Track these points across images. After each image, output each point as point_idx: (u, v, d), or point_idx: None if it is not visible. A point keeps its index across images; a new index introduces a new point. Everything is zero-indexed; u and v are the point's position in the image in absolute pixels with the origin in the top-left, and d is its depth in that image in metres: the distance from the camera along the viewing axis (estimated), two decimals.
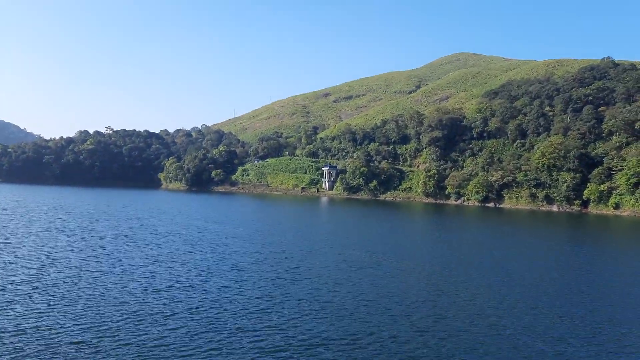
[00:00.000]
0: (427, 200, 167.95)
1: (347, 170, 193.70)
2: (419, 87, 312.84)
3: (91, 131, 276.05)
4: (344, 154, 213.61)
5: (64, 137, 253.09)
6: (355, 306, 27.33)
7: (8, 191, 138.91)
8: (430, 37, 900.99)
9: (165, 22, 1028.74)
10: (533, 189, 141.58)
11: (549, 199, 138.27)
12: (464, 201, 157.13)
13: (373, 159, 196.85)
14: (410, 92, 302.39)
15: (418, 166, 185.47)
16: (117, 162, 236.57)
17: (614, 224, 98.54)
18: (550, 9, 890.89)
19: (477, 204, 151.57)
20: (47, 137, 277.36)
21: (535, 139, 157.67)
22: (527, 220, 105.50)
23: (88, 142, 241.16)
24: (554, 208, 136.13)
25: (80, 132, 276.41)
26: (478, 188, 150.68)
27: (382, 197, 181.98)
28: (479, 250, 52.53)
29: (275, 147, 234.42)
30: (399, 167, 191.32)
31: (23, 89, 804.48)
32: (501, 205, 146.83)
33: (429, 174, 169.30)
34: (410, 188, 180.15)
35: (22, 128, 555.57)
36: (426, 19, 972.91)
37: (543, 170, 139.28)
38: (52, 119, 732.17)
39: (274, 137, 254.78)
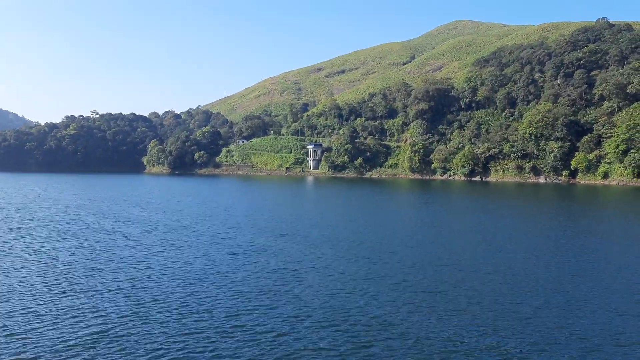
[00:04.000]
0: (413, 177, 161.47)
1: (332, 147, 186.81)
2: (413, 57, 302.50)
3: (79, 116, 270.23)
4: (330, 130, 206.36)
5: (47, 122, 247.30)
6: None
7: None
8: (427, 6, 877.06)
9: (154, 3, 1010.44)
10: (520, 161, 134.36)
11: (535, 171, 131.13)
12: (449, 176, 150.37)
13: (359, 135, 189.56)
14: (404, 64, 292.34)
15: (405, 141, 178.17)
16: (101, 147, 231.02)
17: (603, 194, 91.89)
18: None
19: (463, 178, 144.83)
20: (42, 124, 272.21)
21: (524, 107, 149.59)
22: (511, 193, 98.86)
23: (71, 128, 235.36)
24: (541, 179, 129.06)
25: (67, 117, 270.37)
26: (464, 162, 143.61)
27: (368, 174, 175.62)
28: (452, 233, 46.08)
29: (260, 127, 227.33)
30: (386, 142, 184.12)
31: (21, 76, 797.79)
32: (487, 179, 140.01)
33: (414, 148, 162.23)
34: (397, 164, 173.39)
35: (20, 115, 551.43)
36: None
37: (530, 141, 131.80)
38: (51, 106, 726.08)
39: (258, 116, 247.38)
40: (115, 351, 16.62)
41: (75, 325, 18.85)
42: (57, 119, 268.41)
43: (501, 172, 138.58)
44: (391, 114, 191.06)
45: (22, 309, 20.72)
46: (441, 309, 21.66)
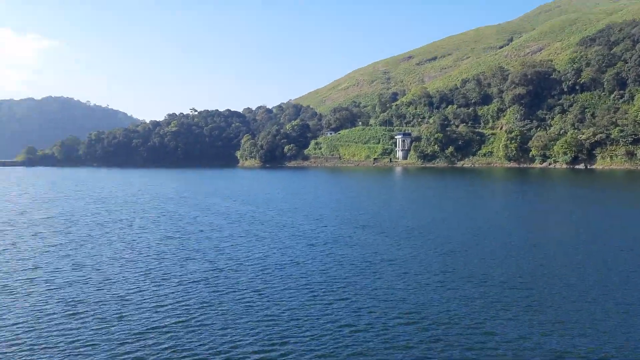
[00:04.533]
0: (509, 165, 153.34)
1: (422, 137, 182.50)
2: (511, 40, 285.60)
3: (179, 113, 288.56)
4: (419, 120, 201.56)
5: (152, 120, 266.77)
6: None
7: (117, 175, 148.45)
8: None
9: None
10: (630, 146, 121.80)
11: None
12: (549, 164, 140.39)
13: (451, 123, 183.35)
14: (500, 48, 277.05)
15: (500, 128, 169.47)
16: (199, 143, 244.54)
17: None
18: None
19: (564, 166, 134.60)
20: (147, 122, 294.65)
21: (635, 88, 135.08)
22: (621, 182, 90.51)
23: (172, 125, 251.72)
24: None
25: (169, 115, 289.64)
26: (566, 148, 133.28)
27: (459, 163, 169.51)
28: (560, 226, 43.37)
29: (348, 118, 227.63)
30: (480, 130, 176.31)
31: (129, 78, 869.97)
32: (593, 166, 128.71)
33: (510, 135, 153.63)
34: (491, 152, 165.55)
35: (129, 115, 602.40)
36: None
37: None
38: (155, 105, 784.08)
39: (346, 107, 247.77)
40: (193, 339, 17.27)
41: (157, 313, 19.91)
42: (161, 117, 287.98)
43: (608, 158, 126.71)
44: (485, 100, 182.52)
45: (111, 295, 22.28)
46: (526, 307, 20.08)
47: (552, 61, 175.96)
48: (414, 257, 29.89)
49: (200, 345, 16.77)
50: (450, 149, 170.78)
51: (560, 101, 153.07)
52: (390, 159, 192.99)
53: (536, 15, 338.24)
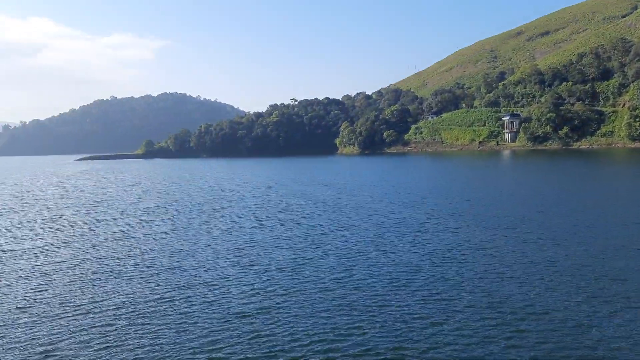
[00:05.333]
0: (633, 145, 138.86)
1: (532, 117, 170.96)
2: (635, 8, 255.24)
3: (280, 104, 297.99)
4: (529, 99, 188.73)
5: (255, 111, 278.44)
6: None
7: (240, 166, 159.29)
8: None
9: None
10: None
11: None
12: None
13: (565, 101, 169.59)
14: (623, 17, 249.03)
15: (623, 105, 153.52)
16: (299, 132, 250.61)
17: None
18: None
19: None
20: (251, 113, 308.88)
21: None
22: None
23: (273, 115, 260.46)
24: None
25: (270, 106, 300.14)
26: None
27: (575, 145, 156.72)
28: None
29: (451, 100, 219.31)
30: (598, 108, 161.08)
31: (234, 72, 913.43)
32: None
33: (634, 113, 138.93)
34: (612, 132, 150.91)
35: (235, 107, 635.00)
36: None
37: None
38: (259, 97, 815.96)
39: (448, 89, 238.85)
40: (274, 325, 18.00)
41: (241, 299, 21.03)
42: (263, 109, 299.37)
43: None
44: (605, 75, 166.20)
45: (200, 281, 23.88)
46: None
47: None
48: (509, 246, 28.35)
49: (279, 332, 17.45)
50: (565, 129, 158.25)
51: None
52: (497, 142, 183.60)
53: None
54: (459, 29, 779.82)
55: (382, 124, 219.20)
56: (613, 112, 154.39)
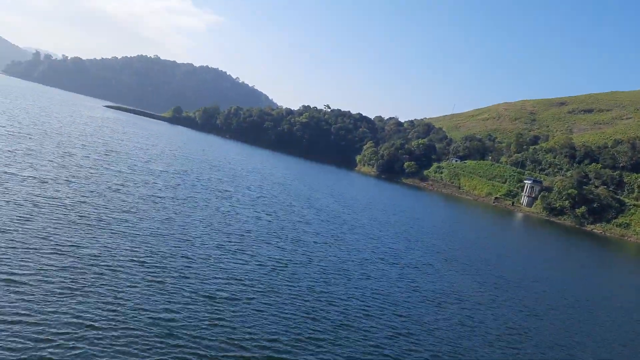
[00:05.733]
0: None
1: (554, 188, 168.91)
2: None
3: (313, 107, 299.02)
4: (555, 170, 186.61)
5: (286, 108, 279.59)
6: None
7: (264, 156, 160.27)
8: None
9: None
10: None
11: None
12: None
13: (590, 182, 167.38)
14: None
15: None
16: (324, 138, 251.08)
17: None
18: None
19: None
20: (283, 108, 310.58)
21: None
22: None
23: (304, 116, 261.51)
24: None
25: (303, 106, 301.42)
26: None
27: (588, 227, 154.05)
28: None
29: (478, 149, 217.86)
30: (621, 197, 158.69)
31: (276, 65, 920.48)
32: None
33: None
34: (628, 224, 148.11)
35: (270, 98, 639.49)
36: None
37: None
38: (295, 94, 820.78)
39: (479, 138, 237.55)
40: (236, 315, 18.09)
41: (214, 283, 21.16)
42: (296, 107, 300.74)
43: None
44: (636, 167, 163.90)
45: (180, 254, 24.09)
46: None
47: None
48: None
49: (239, 323, 17.49)
50: (582, 209, 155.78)
51: None
52: (513, 203, 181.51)
53: None
54: (506, 83, 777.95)
55: (406, 154, 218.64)
56: (634, 205, 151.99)
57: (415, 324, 21.90)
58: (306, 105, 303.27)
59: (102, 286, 17.75)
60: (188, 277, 20.81)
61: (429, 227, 62.32)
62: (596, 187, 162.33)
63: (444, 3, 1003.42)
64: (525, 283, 38.08)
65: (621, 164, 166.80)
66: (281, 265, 26.26)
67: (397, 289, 27.07)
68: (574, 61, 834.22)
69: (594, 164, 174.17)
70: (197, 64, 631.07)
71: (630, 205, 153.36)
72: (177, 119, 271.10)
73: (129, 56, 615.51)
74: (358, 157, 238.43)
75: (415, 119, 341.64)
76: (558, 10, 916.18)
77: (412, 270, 32.94)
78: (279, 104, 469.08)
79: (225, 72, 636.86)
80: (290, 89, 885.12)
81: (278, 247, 30.19)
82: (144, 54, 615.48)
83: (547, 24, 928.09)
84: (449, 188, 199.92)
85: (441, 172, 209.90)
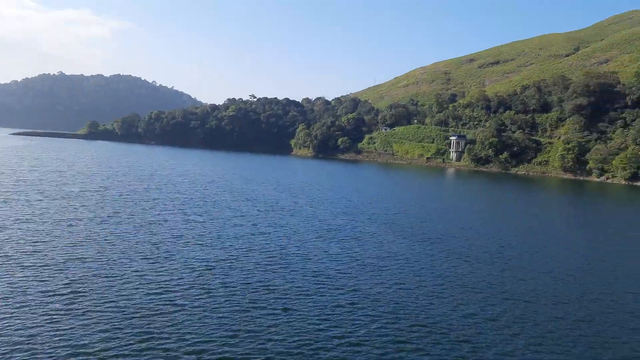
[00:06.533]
0: (565, 176, 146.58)
1: (477, 140, 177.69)
2: (577, 50, 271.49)
3: (238, 99, 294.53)
4: (476, 122, 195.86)
5: (210, 104, 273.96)
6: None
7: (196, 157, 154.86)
8: None
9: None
10: None
11: None
12: (607, 178, 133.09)
13: (507, 128, 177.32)
14: (566, 56, 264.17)
15: (558, 138, 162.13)
16: (255, 129, 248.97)
17: None
18: None
19: (623, 182, 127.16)
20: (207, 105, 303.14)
21: None
22: None
23: (230, 109, 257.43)
24: None
25: (228, 100, 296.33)
26: (625, 163, 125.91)
27: (513, 170, 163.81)
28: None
29: (404, 115, 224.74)
30: (536, 138, 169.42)
31: (196, 63, 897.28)
32: None
33: (568, 146, 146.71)
34: (547, 162, 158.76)
35: (193, 97, 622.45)
36: None
37: None
38: (218, 90, 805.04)
39: (403, 105, 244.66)
40: (168, 325, 17.93)
41: (144, 294, 20.82)
42: (222, 102, 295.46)
43: None
44: (545, 108, 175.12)
45: (105, 272, 23.44)
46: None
47: (617, 73, 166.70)
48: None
49: (169, 333, 17.40)
50: (505, 154, 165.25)
51: (623, 115, 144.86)
52: (443, 160, 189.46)
53: (606, 26, 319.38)
54: (419, 49, 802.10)
55: (338, 130, 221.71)
56: (549, 143, 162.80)
57: (358, 295, 22.58)
58: (231, 98, 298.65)
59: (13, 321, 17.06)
60: (110, 298, 20.22)
61: (368, 197, 63.78)
62: (513, 132, 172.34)
63: None
64: (460, 233, 40.14)
65: (531, 107, 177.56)
66: (214, 265, 26.09)
67: (337, 263, 27.78)
68: (477, 17, 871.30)
69: (507, 111, 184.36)
70: (107, 74, 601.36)
71: (545, 144, 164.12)
72: (94, 134, 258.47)
73: (29, 77, 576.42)
74: (292, 142, 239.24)
75: (341, 96, 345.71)
76: None
77: (353, 242, 33.77)
78: (203, 102, 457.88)
79: (140, 78, 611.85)
80: (212, 85, 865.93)
81: (210, 247, 29.91)
82: (46, 72, 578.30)
83: None
84: (384, 156, 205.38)
85: (374, 143, 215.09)
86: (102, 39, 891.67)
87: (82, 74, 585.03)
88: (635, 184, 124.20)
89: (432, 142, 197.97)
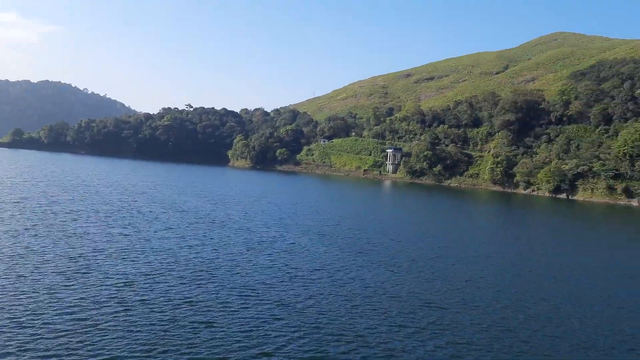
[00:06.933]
0: (494, 188, 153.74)
1: (412, 153, 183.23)
2: (507, 68, 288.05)
3: (174, 108, 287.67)
4: (411, 136, 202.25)
5: (144, 113, 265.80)
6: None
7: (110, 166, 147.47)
8: (526, 16, 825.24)
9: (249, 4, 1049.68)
10: (611, 181, 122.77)
11: (628, 192, 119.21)
12: (533, 191, 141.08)
13: (441, 142, 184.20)
14: (496, 74, 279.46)
15: (488, 151, 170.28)
16: (191, 139, 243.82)
17: None
18: None
19: (547, 194, 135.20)
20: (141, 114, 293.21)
21: (621, 125, 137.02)
22: (601, 216, 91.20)
23: (165, 119, 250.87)
24: (634, 202, 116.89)
25: (163, 109, 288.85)
26: (549, 177, 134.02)
27: (446, 182, 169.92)
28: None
29: (342, 128, 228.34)
30: (468, 151, 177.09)
31: (131, 70, 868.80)
32: (574, 197, 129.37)
33: (497, 160, 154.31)
34: (478, 174, 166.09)
35: (127, 105, 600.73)
36: None
37: (624, 160, 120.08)
38: (153, 98, 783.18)
39: (341, 117, 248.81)
40: (86, 341, 17.03)
41: (56, 311, 19.69)
42: (156, 111, 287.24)
43: (589, 191, 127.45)
44: (476, 123, 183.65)
45: (13, 290, 22.00)
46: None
47: (542, 91, 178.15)
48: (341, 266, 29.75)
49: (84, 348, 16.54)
50: (439, 167, 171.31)
51: (547, 130, 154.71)
52: (380, 172, 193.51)
53: (533, 46, 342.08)
54: (357, 63, 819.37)
55: (276, 142, 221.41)
56: (480, 156, 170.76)
57: (283, 308, 22.47)
58: (167, 107, 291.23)
59: None
60: (16, 317, 18.98)
61: (304, 209, 63.86)
62: (446, 146, 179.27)
63: None
64: (392, 244, 41.01)
65: (464, 122, 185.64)
66: (134, 280, 25.13)
67: (266, 276, 27.52)
68: (414, 33, 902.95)
69: (441, 125, 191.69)
70: (35, 80, 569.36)
71: (476, 157, 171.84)
72: (18, 142, 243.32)
73: None
74: (230, 152, 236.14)
75: (281, 107, 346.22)
76: None
77: (284, 255, 33.60)
78: (137, 110, 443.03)
79: (70, 85, 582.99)
80: (148, 94, 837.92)
81: (133, 261, 28.77)
82: None
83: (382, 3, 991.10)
84: (322, 168, 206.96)
85: (312, 154, 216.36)
86: (28, 44, 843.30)
87: (7, 80, 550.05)
88: (558, 196, 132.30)
89: (370, 155, 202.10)
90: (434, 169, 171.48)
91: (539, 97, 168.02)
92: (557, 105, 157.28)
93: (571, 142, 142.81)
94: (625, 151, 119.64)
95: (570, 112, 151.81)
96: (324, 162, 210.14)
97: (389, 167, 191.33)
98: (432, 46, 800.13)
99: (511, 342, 20.61)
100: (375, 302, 24.48)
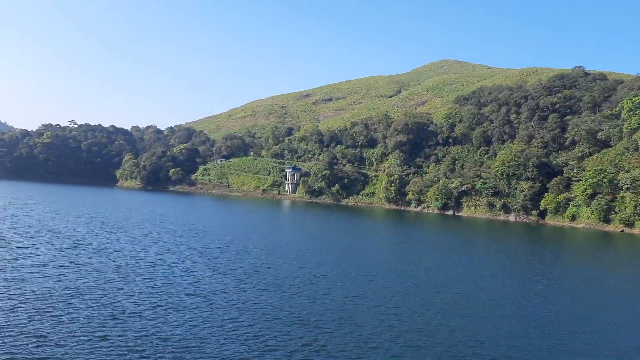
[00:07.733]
0: (388, 206, 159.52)
1: (311, 172, 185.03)
2: (399, 92, 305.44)
3: (56, 124, 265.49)
4: (310, 156, 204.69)
5: (21, 129, 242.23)
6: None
7: None
8: (417, 44, 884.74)
9: (152, 18, 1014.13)
10: (491, 198, 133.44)
11: (506, 209, 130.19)
12: (423, 208, 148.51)
13: (338, 162, 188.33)
14: (390, 97, 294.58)
15: (383, 171, 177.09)
16: (74, 158, 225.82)
17: (570, 236, 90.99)
18: (537, 17, 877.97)
19: (436, 211, 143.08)
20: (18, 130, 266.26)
21: (499, 146, 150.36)
22: (480, 230, 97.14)
23: (45, 136, 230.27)
24: (511, 218, 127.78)
25: (44, 125, 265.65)
26: (437, 195, 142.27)
27: (344, 201, 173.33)
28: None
29: (240, 147, 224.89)
30: (364, 171, 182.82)
31: (5, 81, 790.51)
32: (460, 214, 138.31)
33: (391, 179, 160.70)
34: (373, 193, 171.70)
35: (3, 121, 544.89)
36: (412, 25, 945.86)
37: (502, 179, 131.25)
38: (33, 113, 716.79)
39: (239, 136, 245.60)
40: None
41: None
42: (35, 127, 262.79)
43: (473, 207, 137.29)
44: (371, 143, 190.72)
45: None
46: None
47: (431, 114, 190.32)
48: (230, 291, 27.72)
49: None
50: (337, 186, 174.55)
51: (435, 151, 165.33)
52: (279, 192, 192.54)
53: (423, 71, 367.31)
54: (257, 81, 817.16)
55: (170, 161, 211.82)
56: (375, 176, 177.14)
57: (143, 338, 19.98)
58: (47, 123, 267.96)
59: None
60: None
61: (192, 231, 60.38)
62: (344, 165, 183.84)
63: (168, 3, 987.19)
64: (279, 264, 39.57)
65: (360, 142, 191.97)
66: None
67: (132, 304, 24.64)
68: (311, 55, 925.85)
69: (339, 145, 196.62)
70: None
71: (372, 176, 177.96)
72: None
73: None
74: (118, 172, 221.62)
75: (175, 125, 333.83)
76: (282, 14, 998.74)
77: (158, 281, 30.75)
78: (13, 126, 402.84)
79: None
80: (26, 109, 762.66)
81: None
82: None
83: (274, 23, 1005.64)
84: (219, 188, 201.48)
85: (208, 174, 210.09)
86: None
87: None
88: (446, 212, 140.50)
89: (269, 174, 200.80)
90: (332, 188, 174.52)
91: (427, 119, 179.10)
92: (443, 128, 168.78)
93: (456, 162, 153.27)
94: (502, 170, 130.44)
95: (455, 135, 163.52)
96: (221, 182, 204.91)
97: (288, 187, 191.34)
98: (329, 68, 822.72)
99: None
100: (248, 325, 22.79)
